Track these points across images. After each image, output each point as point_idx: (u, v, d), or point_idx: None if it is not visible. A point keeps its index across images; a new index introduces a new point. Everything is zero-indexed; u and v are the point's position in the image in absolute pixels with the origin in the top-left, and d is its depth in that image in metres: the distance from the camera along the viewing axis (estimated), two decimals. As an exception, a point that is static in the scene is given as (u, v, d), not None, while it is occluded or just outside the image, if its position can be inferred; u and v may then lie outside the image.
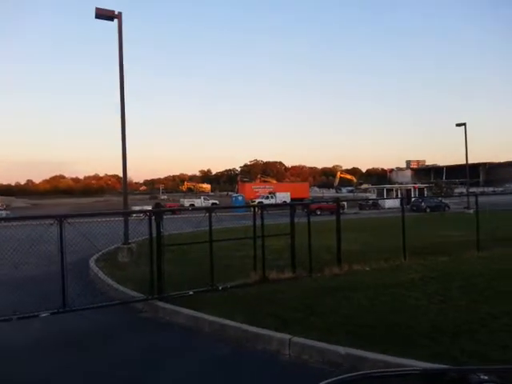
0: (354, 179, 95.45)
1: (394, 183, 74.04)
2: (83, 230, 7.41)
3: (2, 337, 6.19)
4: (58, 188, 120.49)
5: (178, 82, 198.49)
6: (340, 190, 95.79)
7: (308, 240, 9.00)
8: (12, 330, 6.33)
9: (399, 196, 48.55)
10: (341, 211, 10.27)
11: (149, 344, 5.94)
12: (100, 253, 12.41)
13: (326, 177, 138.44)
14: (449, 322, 5.65)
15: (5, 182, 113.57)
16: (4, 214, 38.62)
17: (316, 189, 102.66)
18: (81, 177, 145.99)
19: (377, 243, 12.60)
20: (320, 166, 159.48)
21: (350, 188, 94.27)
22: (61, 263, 6.51)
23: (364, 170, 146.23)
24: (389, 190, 53.64)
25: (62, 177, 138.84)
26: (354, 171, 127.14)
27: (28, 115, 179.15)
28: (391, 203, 42.71)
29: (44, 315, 6.39)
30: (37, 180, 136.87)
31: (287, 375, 4.87)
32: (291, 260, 8.94)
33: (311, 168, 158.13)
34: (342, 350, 4.91)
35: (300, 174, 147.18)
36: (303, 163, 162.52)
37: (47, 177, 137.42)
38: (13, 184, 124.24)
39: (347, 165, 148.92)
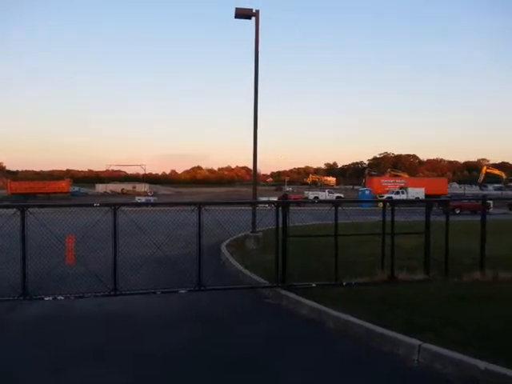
0: (504, 175, 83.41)
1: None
2: (216, 217, 7.99)
3: (151, 307, 7.20)
4: (195, 178, 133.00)
5: (305, 76, 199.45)
6: (485, 187, 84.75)
7: (445, 240, 8.16)
8: (158, 302, 7.32)
9: None
10: (486, 211, 9.02)
11: (274, 330, 6.15)
12: (230, 239, 13.25)
13: (468, 172, 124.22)
14: None
15: (153, 172, 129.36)
16: (152, 199, 44.43)
17: (456, 185, 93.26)
18: (215, 168, 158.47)
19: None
20: (462, 159, 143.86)
21: (497, 185, 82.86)
22: (198, 246, 7.15)
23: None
24: (549, 189, 45.66)
25: (199, 168, 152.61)
26: (504, 166, 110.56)
27: (173, 112, 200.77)
28: (552, 204, 36.33)
29: (182, 292, 7.15)
30: (179, 170, 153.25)
31: (417, 382, 4.58)
32: (424, 260, 8.24)
33: (451, 162, 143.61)
34: (482, 364, 4.36)
35: (437, 168, 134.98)
36: (441, 156, 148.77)
37: (188, 167, 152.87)
38: (160, 174, 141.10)
39: (495, 159, 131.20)
